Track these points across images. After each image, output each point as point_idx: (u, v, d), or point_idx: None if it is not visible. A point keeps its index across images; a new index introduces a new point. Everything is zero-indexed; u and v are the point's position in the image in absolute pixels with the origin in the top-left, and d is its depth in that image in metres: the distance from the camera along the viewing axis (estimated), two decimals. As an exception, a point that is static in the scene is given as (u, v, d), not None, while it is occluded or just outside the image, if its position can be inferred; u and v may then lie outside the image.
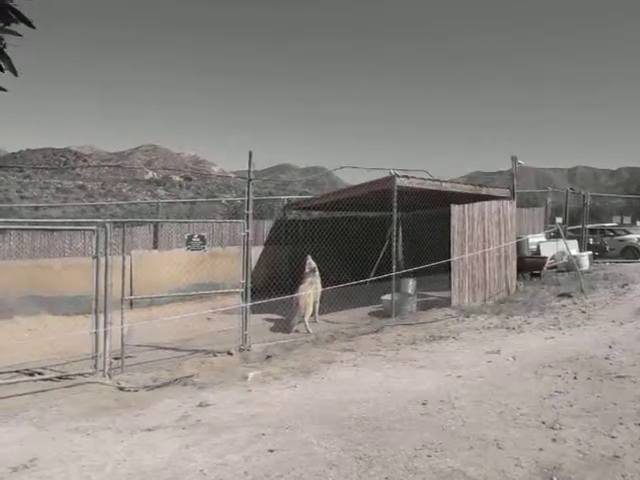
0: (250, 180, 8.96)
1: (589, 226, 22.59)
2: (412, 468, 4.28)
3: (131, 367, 8.62)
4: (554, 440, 4.76)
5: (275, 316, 12.08)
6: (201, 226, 14.46)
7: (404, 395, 6.11)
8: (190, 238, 8.57)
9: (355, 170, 12.76)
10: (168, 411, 5.91)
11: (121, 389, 7.62)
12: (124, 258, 8.12)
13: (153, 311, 13.36)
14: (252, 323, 9.93)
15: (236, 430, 5.17)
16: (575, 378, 6.56)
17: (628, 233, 24.36)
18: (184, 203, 39.11)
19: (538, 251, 17.75)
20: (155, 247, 14.19)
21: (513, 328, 9.75)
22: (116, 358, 8.70)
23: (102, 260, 7.91)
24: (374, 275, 16.03)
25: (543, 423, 5.16)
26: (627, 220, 27.40)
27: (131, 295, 13.64)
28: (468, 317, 10.90)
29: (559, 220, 23.11)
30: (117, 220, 8.01)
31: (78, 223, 8.08)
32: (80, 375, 7.94)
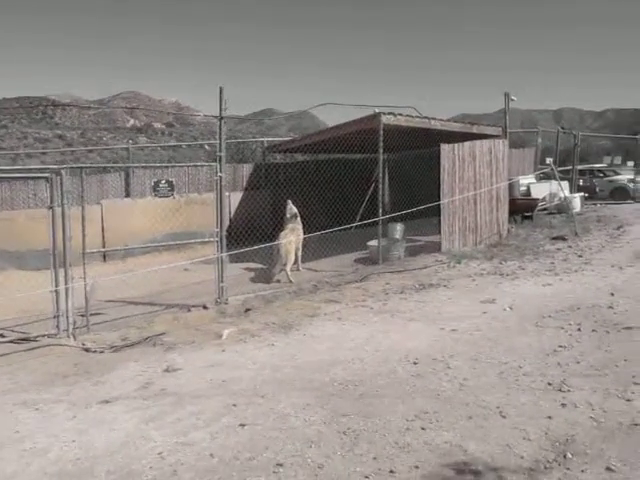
0: (222, 119, 8.12)
1: (579, 167, 22.00)
2: (404, 444, 3.71)
3: (99, 325, 7.98)
4: (563, 405, 4.20)
5: (256, 265, 11.45)
6: (176, 171, 13.62)
7: (393, 353, 5.53)
8: (157, 184, 7.81)
9: (340, 112, 11.92)
10: (131, 377, 5.30)
11: (86, 350, 7.01)
12: (83, 207, 7.35)
13: (128, 263, 12.68)
14: (231, 274, 9.29)
15: (204, 400, 4.57)
16: (579, 330, 6.01)
17: (617, 174, 23.83)
18: (164, 149, 37.86)
19: (528, 193, 17.15)
20: (127, 195, 13.36)
21: (507, 274, 9.19)
22: (83, 316, 8.08)
23: (58, 211, 7.15)
24: (359, 220, 15.45)
25: (549, 384, 4.60)
26: (617, 161, 26.80)
27: (103, 247, 13.01)
28: (459, 263, 10.32)
29: (549, 160, 22.45)
30: (74, 166, 7.20)
31: (29, 170, 7.27)
32: (43, 336, 7.30)
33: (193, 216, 13.08)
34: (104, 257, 12.81)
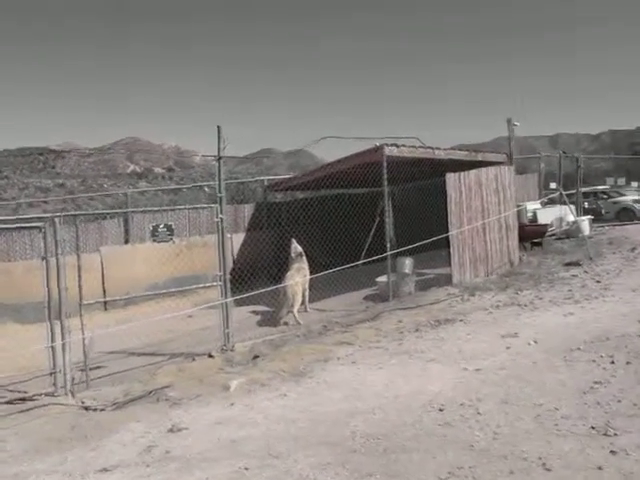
0: (220, 158, 7.84)
1: (584, 189, 21.75)
2: (441, 509, 3.27)
3: (100, 380, 7.57)
4: (613, 452, 3.77)
5: (261, 308, 11.01)
6: (176, 215, 13.33)
7: (416, 399, 5.10)
8: (155, 228, 7.48)
9: (340, 148, 11.70)
10: (132, 440, 4.86)
11: (86, 408, 6.58)
12: (79, 256, 6.99)
13: (129, 311, 12.27)
14: (236, 318, 8.89)
15: (213, 464, 4.14)
16: (612, 363, 5.58)
17: (622, 195, 23.58)
18: (165, 192, 37.69)
19: (535, 218, 16.82)
20: (127, 242, 13.04)
21: (525, 305, 8.77)
22: (82, 370, 7.67)
23: (52, 261, 6.80)
24: (365, 256, 15.07)
25: (592, 428, 4.17)
26: (621, 182, 26.57)
27: (104, 296, 12.62)
28: (473, 295, 9.92)
29: (553, 185, 22.22)
30: (68, 214, 6.89)
31: (23, 220, 6.97)
32: (40, 396, 6.88)
33: (195, 259, 12.74)
34: (105, 306, 12.42)
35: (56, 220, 6.76)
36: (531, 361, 5.92)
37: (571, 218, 17.07)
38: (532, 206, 17.76)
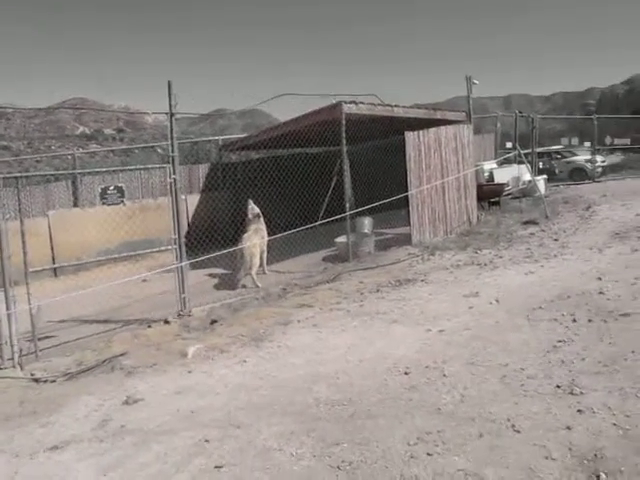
0: (172, 115, 7.44)
1: (539, 150, 21.92)
2: (410, 477, 3.16)
3: (50, 350, 7.26)
4: (580, 411, 3.72)
5: (219, 271, 10.76)
6: (127, 176, 12.81)
7: (380, 362, 4.98)
8: (105, 191, 7.08)
9: (296, 108, 11.25)
10: (85, 415, 4.61)
11: (36, 381, 6.28)
12: (21, 221, 6.57)
13: (81, 277, 11.84)
14: (192, 282, 8.64)
15: (171, 437, 3.94)
16: (574, 321, 5.57)
17: (575, 155, 23.88)
18: (116, 154, 36.49)
19: (491, 178, 16.90)
20: (76, 205, 12.50)
21: (485, 264, 8.76)
22: (30, 340, 7.33)
23: (-7, 226, 6.38)
24: (324, 217, 14.87)
25: (558, 387, 4.12)
26: (575, 142, 26.89)
27: (53, 262, 12.13)
28: (433, 255, 9.87)
29: (509, 145, 22.34)
30: (8, 176, 6.43)
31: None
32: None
33: (149, 223, 12.32)
34: (55, 272, 11.96)
35: (-3, 182, 6.31)
36: (494, 321, 5.87)
37: (527, 177, 17.21)
38: (488, 166, 17.83)
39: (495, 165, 18.62)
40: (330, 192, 15.60)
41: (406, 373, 4.66)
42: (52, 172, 10.77)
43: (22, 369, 6.57)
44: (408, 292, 7.55)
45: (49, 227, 11.93)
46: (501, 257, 9.16)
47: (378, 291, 7.79)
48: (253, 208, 10.66)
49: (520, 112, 23.59)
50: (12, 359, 6.57)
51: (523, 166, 18.97)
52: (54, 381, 6.14)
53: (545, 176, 18.55)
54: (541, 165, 21.83)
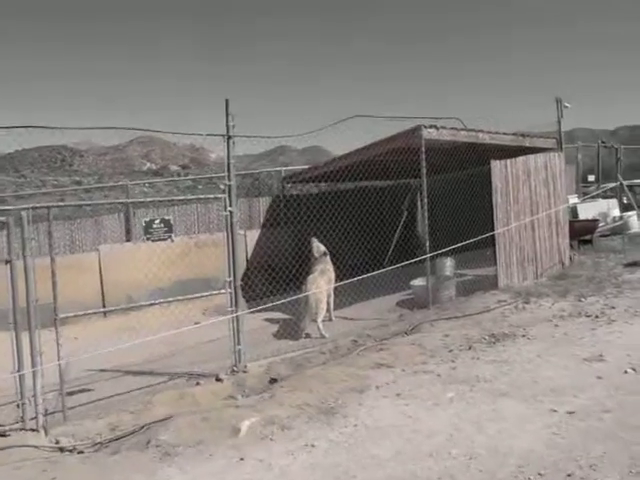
0: (230, 138, 6.42)
1: (626, 182, 20.07)
2: None
3: (83, 409, 6.22)
4: None
5: (279, 315, 9.55)
6: (182, 209, 11.97)
7: (499, 463, 3.63)
8: (149, 224, 6.05)
9: (365, 139, 10.12)
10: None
11: (60, 450, 5.24)
12: (52, 259, 5.58)
13: (131, 318, 10.91)
14: (250, 327, 7.53)
15: None
16: None
17: (661, 189, 21.81)
18: (178, 189, 36.44)
19: (575, 214, 15.24)
20: (128, 239, 11.69)
21: (597, 316, 7.27)
22: (69, 393, 6.35)
23: (19, 264, 5.43)
24: (393, 255, 13.58)
25: None
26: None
27: (103, 300, 11.28)
28: (528, 302, 8.42)
29: (591, 178, 20.63)
30: (38, 206, 5.51)
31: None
32: (4, 433, 5.53)
33: (205, 260, 11.38)
34: (104, 313, 11.08)
35: (23, 214, 5.37)
36: (640, 399, 4.43)
37: (616, 213, 15.50)
38: (571, 200, 16.20)
39: (577, 199, 16.95)
40: (400, 228, 14.39)
41: (540, 483, 3.31)
42: (91, 202, 9.93)
43: (47, 433, 5.54)
44: (509, 351, 6.15)
45: (99, 262, 11.12)
46: (614, 307, 7.64)
47: (470, 348, 6.42)
48: (318, 246, 9.51)
49: (603, 142, 21.86)
50: (36, 418, 5.56)
51: (611, 200, 17.23)
52: (81, 452, 5.09)
53: (638, 212, 16.72)
54: (625, 200, 19.97)
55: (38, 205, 5.61)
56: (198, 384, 6.51)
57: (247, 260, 12.17)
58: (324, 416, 4.79)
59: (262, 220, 13.10)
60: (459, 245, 8.87)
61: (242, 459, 4.14)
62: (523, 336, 6.69)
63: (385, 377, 5.68)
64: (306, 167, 13.44)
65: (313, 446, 4.22)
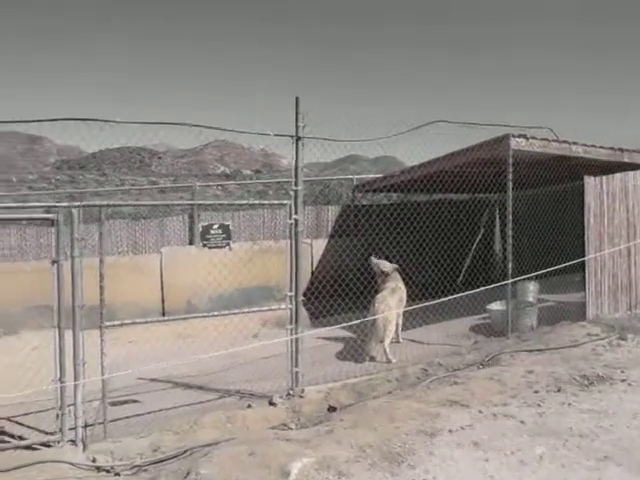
0: (299, 139, 5.86)
1: None
2: None
3: (127, 422, 5.81)
4: None
5: (341, 333, 8.89)
6: (248, 214, 11.54)
7: None
8: (207, 229, 5.56)
9: (443, 144, 9.34)
10: None
11: (97, 469, 4.81)
12: (101, 262, 5.17)
13: (190, 325, 10.57)
14: (309, 344, 6.95)
15: None
16: None
17: None
18: (249, 193, 36.49)
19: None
20: (191, 242, 11.37)
21: None
22: (114, 403, 5.99)
23: (67, 265, 5.05)
24: (465, 274, 12.73)
25: None
26: None
27: (162, 304, 10.98)
28: (624, 339, 7.44)
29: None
30: (90, 204, 5.11)
31: (27, 209, 5.30)
32: (41, 445, 5.15)
33: (268, 268, 10.95)
34: (163, 315, 10.78)
35: (74, 211, 4.98)
36: None
37: None
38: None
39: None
40: (475, 246, 13.51)
41: None
42: (146, 203, 9.68)
43: (85, 448, 5.13)
44: (607, 400, 5.27)
45: (161, 265, 10.83)
46: None
47: (559, 391, 5.57)
48: (383, 264, 8.78)
49: None
50: (75, 430, 5.16)
51: None
52: (118, 474, 4.63)
53: None
54: None
55: (90, 203, 5.23)
56: (249, 406, 5.96)
57: (312, 271, 11.62)
58: (388, 464, 4.11)
59: (330, 230, 12.52)
60: (547, 270, 8.00)
61: (289, 514, 3.52)
62: (623, 381, 5.78)
63: (460, 418, 4.93)
64: (379, 176, 12.76)
65: (374, 504, 3.55)
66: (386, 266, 8.67)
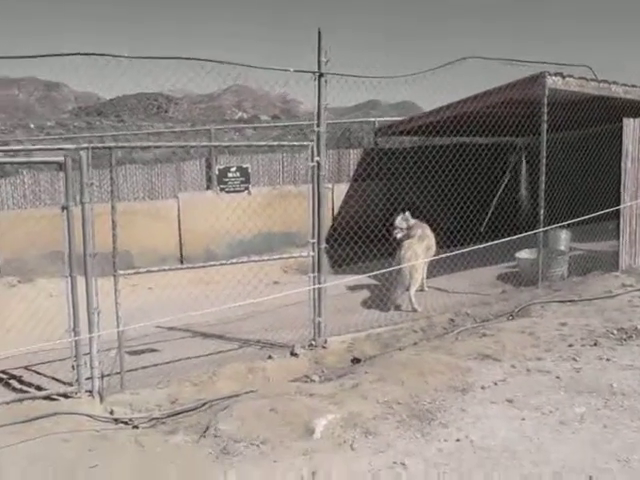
0: (322, 75, 5.45)
1: None
2: None
3: (145, 372, 5.67)
4: None
5: (366, 280, 8.61)
6: (267, 157, 11.17)
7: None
8: (224, 172, 5.23)
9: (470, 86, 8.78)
10: None
11: (115, 421, 4.67)
12: (113, 208, 4.90)
13: (209, 271, 10.38)
14: (332, 293, 6.68)
15: None
16: None
17: None
18: (266, 138, 35.89)
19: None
20: (208, 188, 11.08)
21: None
22: (133, 352, 5.88)
23: (76, 211, 4.79)
24: (489, 221, 12.33)
25: None
26: None
27: (181, 250, 10.79)
28: (662, 290, 7.10)
29: None
30: (99, 146, 4.80)
31: (38, 151, 5.00)
32: (57, 396, 5.03)
33: (289, 213, 10.61)
34: (181, 261, 10.60)
35: (82, 154, 4.68)
36: None
37: None
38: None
39: None
40: (500, 192, 13.07)
41: None
42: (160, 144, 9.30)
43: (102, 400, 5.00)
44: (649, 354, 4.99)
45: (178, 211, 10.58)
46: None
47: (596, 344, 5.29)
48: (405, 219, 8.39)
49: None
50: (91, 379, 5.02)
51: None
52: (136, 427, 4.49)
53: None
54: None
55: (99, 145, 4.93)
56: (270, 357, 5.78)
57: (333, 216, 11.31)
58: (418, 421, 3.89)
59: (352, 174, 12.13)
60: (581, 219, 7.61)
61: (314, 474, 3.32)
62: (663, 334, 5.47)
63: (492, 373, 4.69)
64: (401, 118, 12.24)
65: (404, 465, 3.34)
66: (410, 221, 8.32)
